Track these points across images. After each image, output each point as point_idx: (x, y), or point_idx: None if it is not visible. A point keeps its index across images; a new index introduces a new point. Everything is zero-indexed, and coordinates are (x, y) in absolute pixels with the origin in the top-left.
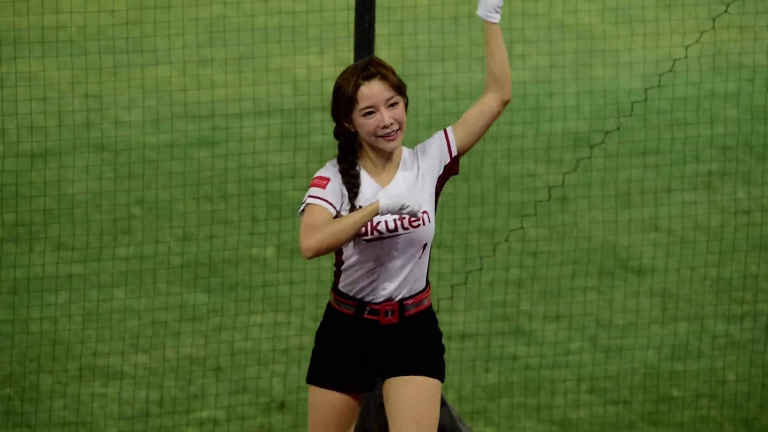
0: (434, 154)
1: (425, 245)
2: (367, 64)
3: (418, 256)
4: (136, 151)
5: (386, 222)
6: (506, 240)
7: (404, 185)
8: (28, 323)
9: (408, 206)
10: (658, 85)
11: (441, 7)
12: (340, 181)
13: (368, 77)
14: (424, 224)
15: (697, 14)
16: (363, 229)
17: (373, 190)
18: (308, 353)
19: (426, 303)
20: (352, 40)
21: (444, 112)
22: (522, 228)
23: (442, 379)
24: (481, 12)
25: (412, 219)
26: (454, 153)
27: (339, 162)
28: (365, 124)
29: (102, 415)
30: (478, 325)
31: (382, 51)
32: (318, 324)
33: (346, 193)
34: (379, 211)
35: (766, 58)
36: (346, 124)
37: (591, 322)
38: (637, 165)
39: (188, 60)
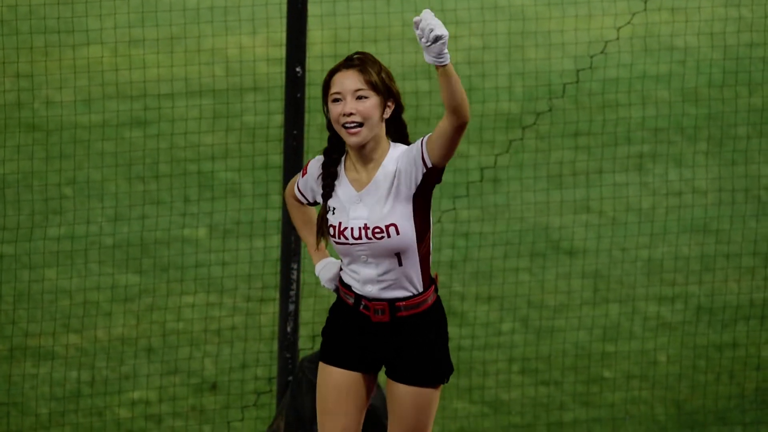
0: (411, 164)
1: (399, 254)
2: (354, 54)
3: (396, 263)
4: (67, 131)
5: (351, 229)
6: (438, 221)
7: (373, 202)
8: None
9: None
10: (590, 67)
11: None
12: (318, 176)
13: (348, 66)
14: (388, 237)
15: None
16: (331, 230)
17: (348, 195)
18: (240, 333)
19: (423, 306)
20: (284, 21)
21: None
22: (454, 209)
23: (441, 382)
24: (428, 59)
25: (376, 231)
26: (429, 164)
27: (324, 155)
28: (331, 111)
29: (33, 396)
30: None
31: (315, 32)
32: (249, 305)
33: (318, 190)
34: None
35: (697, 39)
36: (325, 111)
37: (523, 303)
38: (568, 146)
39: (120, 40)
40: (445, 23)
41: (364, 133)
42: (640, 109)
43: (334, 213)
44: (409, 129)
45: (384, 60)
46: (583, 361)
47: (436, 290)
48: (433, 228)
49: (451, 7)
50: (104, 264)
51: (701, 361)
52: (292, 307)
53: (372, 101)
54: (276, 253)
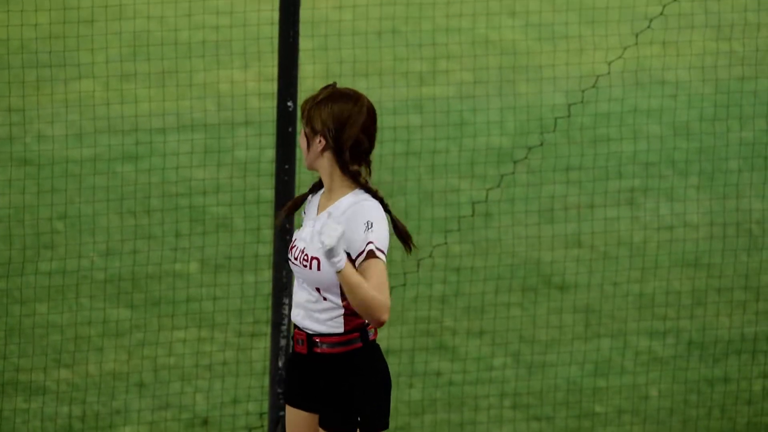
0: (348, 239)
1: (318, 289)
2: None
3: (314, 297)
4: (59, 166)
5: (295, 248)
6: (430, 256)
7: (309, 228)
8: None
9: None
10: (582, 101)
11: (365, 21)
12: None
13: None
14: (310, 269)
15: (620, 30)
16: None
17: (311, 215)
18: (232, 368)
19: (344, 347)
20: (276, 55)
21: None
22: (446, 243)
23: (353, 429)
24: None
25: (304, 258)
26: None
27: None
28: None
29: (24, 431)
30: (401, 341)
31: (307, 66)
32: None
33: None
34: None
35: (688, 74)
36: None
37: (514, 338)
38: (560, 181)
39: (111, 74)
40: (436, 58)
41: (306, 159)
42: (632, 144)
43: (301, 228)
44: (402, 162)
45: (375, 94)
46: (574, 396)
47: (365, 338)
48: (421, 261)
49: (443, 41)
50: (95, 299)
51: (693, 396)
52: (283, 342)
53: (302, 133)
54: (267, 288)
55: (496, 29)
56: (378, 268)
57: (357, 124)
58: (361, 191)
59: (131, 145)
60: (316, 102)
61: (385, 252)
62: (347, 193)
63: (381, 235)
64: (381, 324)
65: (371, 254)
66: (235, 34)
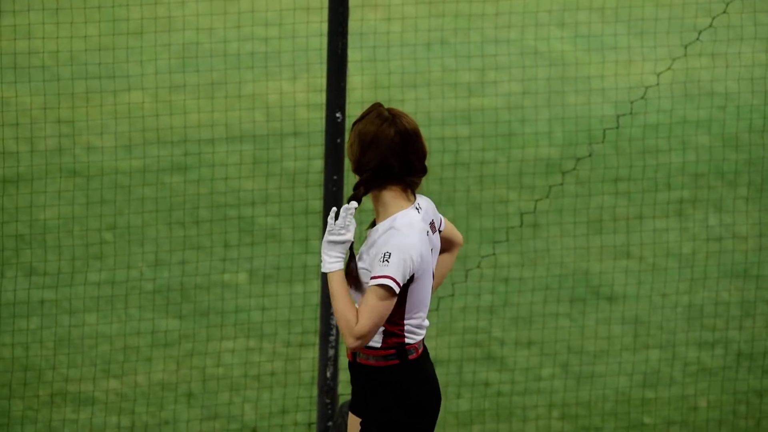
0: (371, 260)
1: None
2: None
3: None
4: (108, 177)
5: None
6: (478, 266)
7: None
8: None
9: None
10: (630, 112)
11: (413, 33)
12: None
13: None
14: (350, 287)
15: (668, 42)
16: None
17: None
18: (280, 379)
19: (379, 362)
20: (324, 66)
21: None
22: (494, 254)
23: None
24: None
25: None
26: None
27: None
28: None
29: None
30: (449, 351)
31: (355, 77)
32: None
33: None
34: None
35: (737, 85)
36: None
37: (563, 348)
38: (608, 192)
39: (160, 86)
40: (485, 69)
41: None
42: (681, 155)
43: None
44: (450, 173)
45: (423, 105)
46: (623, 407)
47: (402, 356)
48: (469, 272)
49: (492, 52)
50: (144, 309)
51: (741, 407)
52: (331, 352)
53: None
54: (316, 298)
55: (545, 40)
56: (377, 300)
57: (381, 147)
58: (399, 217)
59: (180, 156)
60: (354, 121)
61: (400, 281)
62: (390, 214)
63: (400, 266)
64: (349, 346)
65: (381, 287)
66: (284, 46)
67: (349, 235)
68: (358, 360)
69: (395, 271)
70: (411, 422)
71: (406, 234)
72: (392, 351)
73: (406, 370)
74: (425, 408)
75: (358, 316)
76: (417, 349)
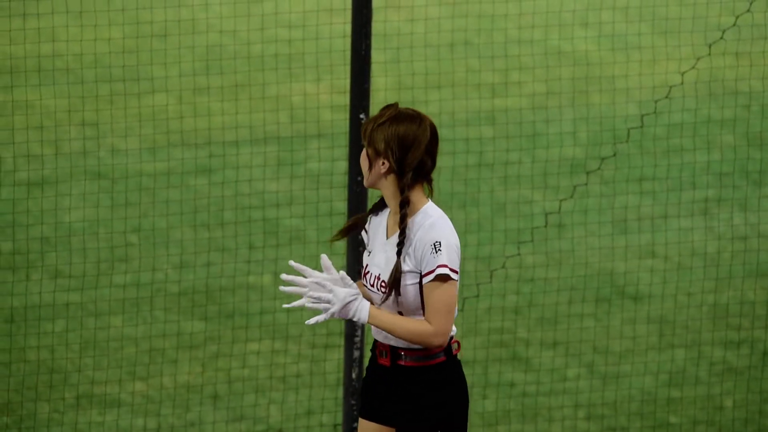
0: (417, 259)
1: (400, 312)
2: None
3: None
4: (132, 179)
5: (370, 275)
6: (503, 267)
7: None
8: (25, 352)
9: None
10: (655, 112)
11: (437, 34)
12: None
13: None
14: (388, 294)
15: (692, 41)
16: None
17: (380, 239)
18: (305, 380)
19: (429, 361)
20: (348, 68)
21: (440, 138)
22: (519, 254)
23: None
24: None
25: (382, 285)
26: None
27: None
28: None
29: None
30: (475, 352)
31: (379, 79)
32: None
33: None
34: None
35: (761, 84)
36: None
37: (588, 348)
38: (633, 191)
39: (185, 88)
40: (509, 70)
41: (367, 179)
42: (705, 154)
43: (369, 254)
44: (475, 174)
45: (447, 106)
46: (649, 407)
47: (448, 352)
48: (494, 272)
49: (515, 52)
50: (170, 311)
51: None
52: (357, 353)
53: (363, 152)
54: None
55: (569, 40)
56: (442, 292)
57: (421, 147)
58: (429, 209)
59: (204, 158)
60: (379, 123)
61: (457, 270)
62: (416, 211)
63: (451, 253)
64: (436, 347)
65: (440, 277)
66: (307, 48)
67: (337, 297)
68: (399, 363)
69: (449, 259)
70: (465, 414)
71: (443, 225)
72: (437, 351)
73: (452, 364)
74: (467, 400)
75: (429, 318)
76: (458, 343)
